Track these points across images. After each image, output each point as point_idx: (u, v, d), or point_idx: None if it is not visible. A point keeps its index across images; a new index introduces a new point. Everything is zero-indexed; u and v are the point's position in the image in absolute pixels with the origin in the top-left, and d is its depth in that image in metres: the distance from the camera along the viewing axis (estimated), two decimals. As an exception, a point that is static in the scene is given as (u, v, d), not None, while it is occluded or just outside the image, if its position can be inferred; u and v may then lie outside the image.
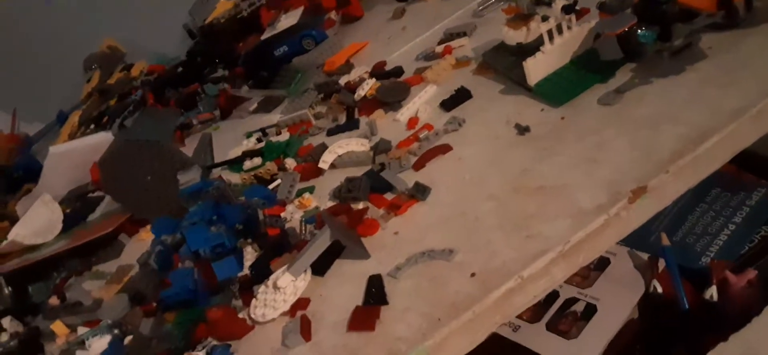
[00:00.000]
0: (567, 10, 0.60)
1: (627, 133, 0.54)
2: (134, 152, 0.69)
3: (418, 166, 0.62)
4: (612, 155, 0.53)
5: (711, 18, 0.55)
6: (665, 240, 0.66)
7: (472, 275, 0.49)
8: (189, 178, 0.62)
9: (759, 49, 0.56)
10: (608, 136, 0.55)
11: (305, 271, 0.54)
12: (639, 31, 0.57)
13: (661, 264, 0.65)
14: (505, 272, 0.47)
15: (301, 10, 0.97)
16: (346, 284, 0.53)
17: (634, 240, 0.67)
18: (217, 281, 0.55)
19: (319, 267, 0.55)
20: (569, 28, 0.63)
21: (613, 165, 0.52)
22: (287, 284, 0.53)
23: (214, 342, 0.51)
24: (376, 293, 0.50)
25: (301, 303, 0.53)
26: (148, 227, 0.72)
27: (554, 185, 0.53)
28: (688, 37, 0.58)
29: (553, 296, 0.66)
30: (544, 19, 0.62)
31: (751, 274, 0.60)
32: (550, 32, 0.62)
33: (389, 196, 0.61)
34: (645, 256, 0.67)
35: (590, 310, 0.64)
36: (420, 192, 0.59)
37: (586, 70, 0.62)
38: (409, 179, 0.61)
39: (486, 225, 0.52)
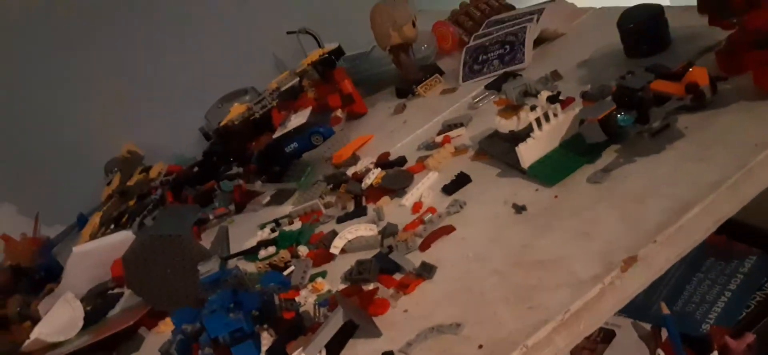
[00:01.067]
0: (551, 100, 0.66)
1: (616, 207, 0.59)
2: (156, 247, 0.73)
3: (424, 246, 0.66)
4: (603, 229, 0.57)
5: (681, 101, 0.60)
6: (665, 309, 0.69)
7: (480, 347, 0.51)
8: (208, 268, 0.66)
9: (730, 126, 0.61)
10: (599, 212, 0.59)
11: (320, 352, 0.57)
12: (618, 115, 0.62)
13: (664, 334, 0.67)
14: (510, 343, 0.50)
15: (309, 109, 1.04)
16: (360, 363, 0.56)
17: (637, 312, 0.70)
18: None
19: (334, 348, 0.58)
20: (555, 115, 0.68)
21: (605, 237, 0.56)
22: (303, 365, 0.56)
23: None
24: (389, 370, 0.53)
25: (318, 382, 0.56)
26: (168, 319, 0.75)
27: (552, 258, 0.57)
28: (666, 119, 0.63)
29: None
30: (532, 108, 0.68)
31: (750, 338, 0.63)
32: (538, 120, 0.68)
33: (398, 276, 0.64)
34: (648, 327, 0.69)
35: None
36: (426, 271, 0.62)
37: (574, 153, 0.67)
38: (415, 259, 0.65)
39: (490, 299, 0.56)
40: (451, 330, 0.54)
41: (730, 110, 0.62)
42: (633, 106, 0.61)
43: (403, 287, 0.62)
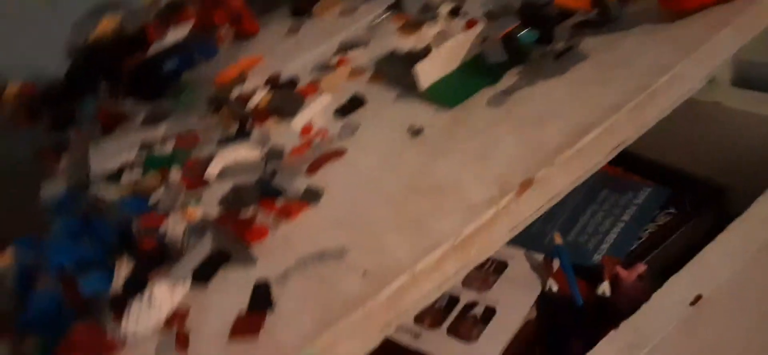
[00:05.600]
0: (454, 13, 0.61)
1: (514, 131, 0.55)
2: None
3: (311, 170, 0.60)
4: (500, 152, 0.53)
5: (586, 16, 0.57)
6: (558, 239, 0.68)
7: (364, 273, 0.46)
8: (53, 191, 0.56)
9: (634, 49, 0.59)
10: (497, 135, 0.55)
11: (184, 281, 0.50)
12: (521, 33, 0.58)
13: (556, 264, 0.66)
14: (397, 269, 0.46)
15: (190, 25, 0.93)
16: (231, 293, 0.49)
17: (530, 242, 0.68)
18: (83, 299, 0.49)
19: (202, 275, 0.51)
20: (456, 32, 0.63)
21: (503, 161, 0.52)
22: (162, 295, 0.48)
23: (77, 365, 0.45)
24: (261, 298, 0.47)
25: (179, 315, 0.49)
26: (9, 249, 0.64)
27: (447, 182, 0.52)
28: (570, 40, 0.60)
29: (453, 301, 0.65)
30: (433, 23, 0.63)
31: (641, 268, 0.62)
32: (437, 36, 0.63)
33: (281, 202, 0.57)
34: (540, 257, 0.68)
35: (489, 313, 0.64)
36: (312, 196, 0.56)
37: (475, 74, 0.63)
38: (302, 183, 0.58)
39: (379, 225, 0.51)
40: (333, 256, 0.48)
41: (635, 33, 0.60)
42: (537, 24, 0.58)
43: (285, 214, 0.55)
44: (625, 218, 0.71)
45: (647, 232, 0.70)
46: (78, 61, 0.99)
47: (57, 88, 0.95)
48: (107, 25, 1.00)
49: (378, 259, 0.47)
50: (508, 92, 0.60)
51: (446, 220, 0.48)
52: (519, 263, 0.67)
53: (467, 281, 0.66)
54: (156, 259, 0.53)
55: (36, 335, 0.49)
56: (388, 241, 0.49)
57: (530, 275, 0.66)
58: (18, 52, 1.13)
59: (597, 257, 0.67)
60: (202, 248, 0.50)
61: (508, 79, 0.62)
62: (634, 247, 0.68)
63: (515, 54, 0.59)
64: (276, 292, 0.47)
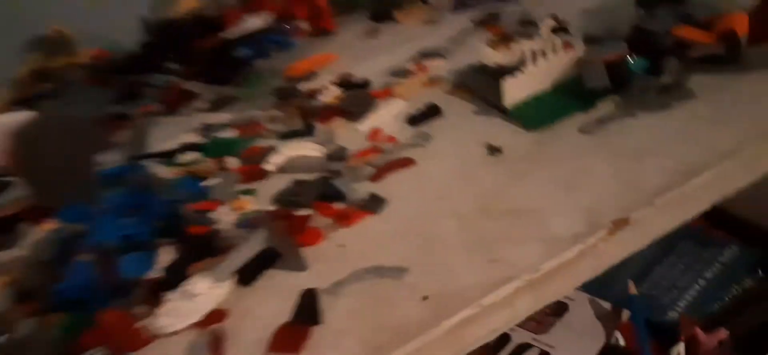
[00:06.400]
0: (555, 30, 0.55)
1: (608, 162, 0.49)
2: (52, 128, 0.60)
3: (377, 177, 0.55)
4: (590, 183, 0.47)
5: (709, 50, 0.50)
6: (632, 289, 0.60)
7: (424, 298, 0.41)
8: (110, 160, 0.53)
9: (751, 94, 0.52)
10: (588, 165, 0.49)
11: (228, 278, 0.46)
12: (631, 59, 0.52)
13: (625, 316, 0.59)
14: (462, 298, 0.40)
15: (269, 15, 0.91)
16: (277, 298, 0.45)
17: (596, 288, 0.61)
18: (119, 280, 0.46)
19: (247, 276, 0.47)
20: (554, 51, 0.58)
21: (592, 193, 0.46)
22: (202, 291, 0.45)
23: (102, 352, 0.42)
24: (307, 310, 0.42)
25: (217, 315, 0.44)
26: (54, 218, 0.62)
27: (525, 208, 0.47)
28: (680, 76, 0.54)
29: (504, 339, 0.59)
30: (530, 39, 0.57)
31: (723, 334, 0.54)
32: (533, 53, 0.57)
33: (339, 206, 0.53)
34: (608, 305, 0.61)
35: (546, 359, 0.57)
36: (374, 204, 0.51)
37: (566, 98, 0.57)
38: (364, 189, 0.54)
39: (446, 246, 0.45)
40: (392, 274, 0.43)
41: (753, 77, 0.53)
42: (649, 51, 0.51)
43: (343, 219, 0.51)
44: (708, 275, 0.63)
45: (731, 295, 0.61)
46: (154, 36, 0.99)
47: (129, 59, 0.95)
48: (187, 3, 0.99)
49: (441, 284, 0.42)
50: (603, 121, 0.54)
51: (522, 250, 0.43)
52: (582, 308, 0.61)
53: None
54: (202, 248, 0.49)
55: (65, 312, 0.46)
56: (454, 265, 0.43)
57: (594, 323, 0.59)
58: (97, 22, 1.14)
59: (672, 314, 0.59)
60: (252, 245, 0.46)
61: (603, 108, 0.55)
62: (715, 309, 0.60)
63: (619, 82, 0.52)
64: (324, 305, 0.43)
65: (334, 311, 0.42)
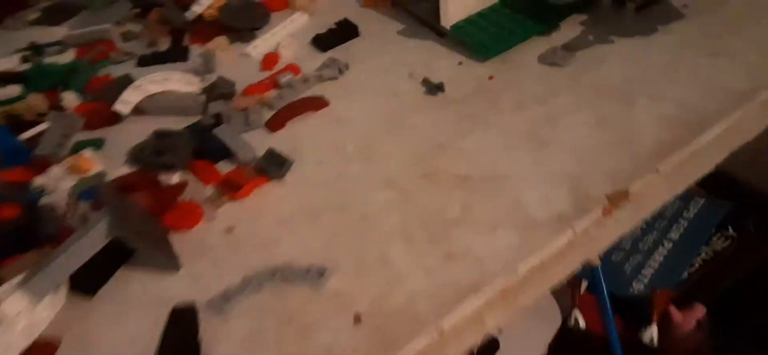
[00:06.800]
0: None
1: (586, 106, 0.38)
2: None
3: (276, 125, 0.41)
4: (569, 137, 0.36)
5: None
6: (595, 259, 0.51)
7: (357, 318, 0.28)
8: None
9: (748, 9, 0.42)
10: (561, 108, 0.38)
11: (55, 290, 0.30)
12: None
13: (583, 286, 0.50)
14: (412, 318, 0.28)
15: None
16: (132, 317, 0.30)
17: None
18: None
19: (87, 282, 0.32)
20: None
21: (573, 152, 0.35)
22: (16, 313, 0.29)
23: None
24: (182, 340, 0.28)
25: (43, 349, 0.29)
26: None
27: (486, 173, 0.35)
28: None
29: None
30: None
31: (700, 311, 0.47)
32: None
33: (225, 167, 0.38)
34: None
35: (492, 346, 0.47)
36: (275, 165, 0.37)
37: (522, 16, 0.45)
38: (260, 143, 0.39)
39: (381, 230, 0.33)
40: (307, 278, 0.30)
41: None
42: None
43: (232, 188, 0.36)
44: (673, 235, 0.55)
45: (700, 257, 0.54)
46: None
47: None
48: None
49: (378, 293, 0.29)
50: (571, 48, 0.42)
51: (490, 239, 0.31)
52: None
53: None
54: (18, 239, 0.33)
55: None
56: (394, 260, 0.31)
57: (548, 300, 0.50)
58: None
59: (637, 286, 0.51)
60: (95, 238, 0.30)
61: (569, 29, 0.44)
62: (683, 277, 0.52)
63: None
64: (208, 329, 0.28)
65: (222, 338, 0.28)
